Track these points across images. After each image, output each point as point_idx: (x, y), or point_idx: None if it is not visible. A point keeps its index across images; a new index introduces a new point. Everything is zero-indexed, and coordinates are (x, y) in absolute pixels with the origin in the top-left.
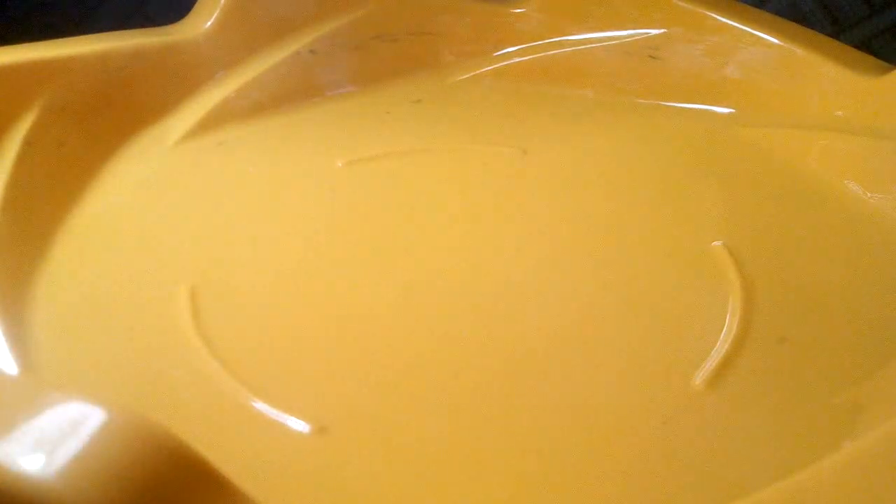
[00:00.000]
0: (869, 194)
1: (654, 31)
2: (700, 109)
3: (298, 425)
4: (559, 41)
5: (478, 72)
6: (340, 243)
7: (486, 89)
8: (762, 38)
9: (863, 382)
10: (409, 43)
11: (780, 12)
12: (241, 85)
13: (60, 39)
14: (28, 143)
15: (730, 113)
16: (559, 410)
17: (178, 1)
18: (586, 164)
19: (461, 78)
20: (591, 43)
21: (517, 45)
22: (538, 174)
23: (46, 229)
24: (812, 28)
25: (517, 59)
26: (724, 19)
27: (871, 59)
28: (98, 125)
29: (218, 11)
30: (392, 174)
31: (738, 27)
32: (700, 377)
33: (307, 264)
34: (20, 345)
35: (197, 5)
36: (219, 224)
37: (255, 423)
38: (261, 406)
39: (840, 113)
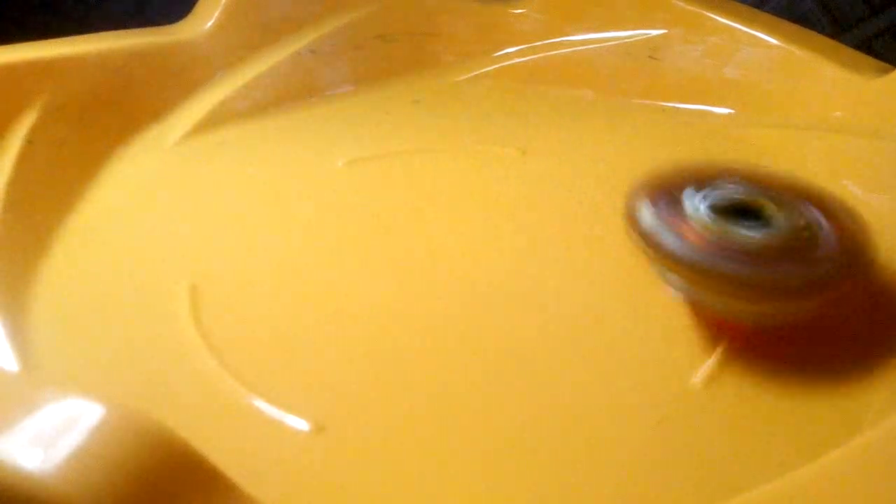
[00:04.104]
0: (867, 194)
1: (653, 32)
2: (699, 110)
3: (297, 423)
4: (559, 42)
5: (477, 72)
6: (340, 242)
7: (485, 90)
8: (761, 39)
9: (862, 382)
10: (409, 43)
11: (780, 13)
12: (241, 85)
13: (60, 39)
14: (29, 143)
15: (729, 113)
16: (557, 409)
17: (178, 1)
18: (585, 164)
19: (461, 78)
20: (591, 43)
21: (517, 45)
22: (537, 174)
23: (47, 227)
24: (812, 28)
25: (517, 60)
26: (723, 20)
27: (869, 60)
28: (98, 125)
29: (218, 12)
30: (392, 174)
31: (737, 28)
32: (699, 376)
33: (307, 263)
34: (20, 342)
35: (197, 6)
36: (218, 223)
37: (255, 420)
38: (260, 404)
39: (838, 113)
